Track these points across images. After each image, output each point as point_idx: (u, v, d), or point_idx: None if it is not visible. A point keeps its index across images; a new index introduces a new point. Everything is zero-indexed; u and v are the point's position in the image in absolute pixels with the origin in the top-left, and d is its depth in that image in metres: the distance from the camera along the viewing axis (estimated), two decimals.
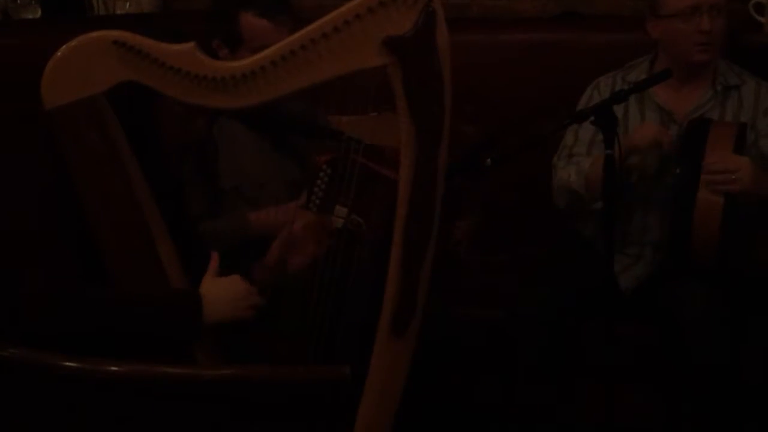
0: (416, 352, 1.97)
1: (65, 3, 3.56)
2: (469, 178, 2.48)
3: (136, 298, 1.89)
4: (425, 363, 2.03)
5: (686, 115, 2.76)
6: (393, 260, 1.90)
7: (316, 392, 1.57)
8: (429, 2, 1.80)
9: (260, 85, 1.83)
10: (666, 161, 2.63)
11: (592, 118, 2.36)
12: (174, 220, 2.00)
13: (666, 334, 2.69)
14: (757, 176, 2.56)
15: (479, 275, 3.04)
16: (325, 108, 2.67)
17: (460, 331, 2.55)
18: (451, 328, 2.51)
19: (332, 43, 1.81)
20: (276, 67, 1.82)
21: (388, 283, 1.91)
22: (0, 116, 3.07)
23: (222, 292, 1.94)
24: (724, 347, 2.57)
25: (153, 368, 1.56)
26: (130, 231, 1.90)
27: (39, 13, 3.52)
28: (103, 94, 1.87)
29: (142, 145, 1.96)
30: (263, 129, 2.63)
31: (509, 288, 2.81)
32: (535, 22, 3.49)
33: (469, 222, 2.63)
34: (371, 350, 1.94)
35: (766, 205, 2.64)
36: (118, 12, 3.56)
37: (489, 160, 2.36)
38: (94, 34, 1.85)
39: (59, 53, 1.84)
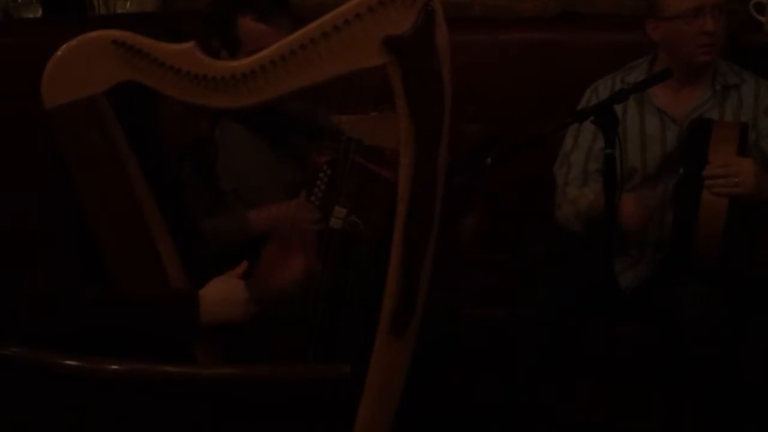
0: (416, 352, 1.97)
1: (66, 2, 3.56)
2: (470, 177, 2.48)
3: (135, 298, 1.89)
4: (425, 362, 2.03)
5: (685, 115, 2.75)
6: (393, 260, 1.90)
7: (315, 392, 1.57)
8: (428, 2, 1.80)
9: (260, 84, 1.83)
10: (668, 162, 2.63)
11: (593, 117, 2.36)
12: (174, 219, 2.00)
13: (666, 334, 2.69)
14: (761, 178, 2.56)
15: (479, 275, 3.04)
16: (326, 108, 2.67)
17: (460, 329, 2.54)
18: (452, 324, 2.51)
19: (332, 43, 1.81)
20: (276, 67, 1.82)
21: (388, 282, 1.91)
22: (0, 116, 3.06)
23: (222, 294, 1.94)
24: (724, 347, 2.57)
25: (153, 367, 1.56)
26: (130, 231, 1.90)
27: (39, 13, 3.51)
28: (103, 94, 1.87)
29: (142, 145, 1.96)
30: (264, 129, 2.62)
31: (509, 288, 2.81)
32: (536, 22, 3.49)
33: (475, 219, 2.63)
34: (371, 350, 1.94)
35: (766, 205, 2.64)
36: (119, 11, 3.56)
37: (489, 159, 2.36)
38: (94, 33, 1.85)
39: (59, 53, 1.84)
